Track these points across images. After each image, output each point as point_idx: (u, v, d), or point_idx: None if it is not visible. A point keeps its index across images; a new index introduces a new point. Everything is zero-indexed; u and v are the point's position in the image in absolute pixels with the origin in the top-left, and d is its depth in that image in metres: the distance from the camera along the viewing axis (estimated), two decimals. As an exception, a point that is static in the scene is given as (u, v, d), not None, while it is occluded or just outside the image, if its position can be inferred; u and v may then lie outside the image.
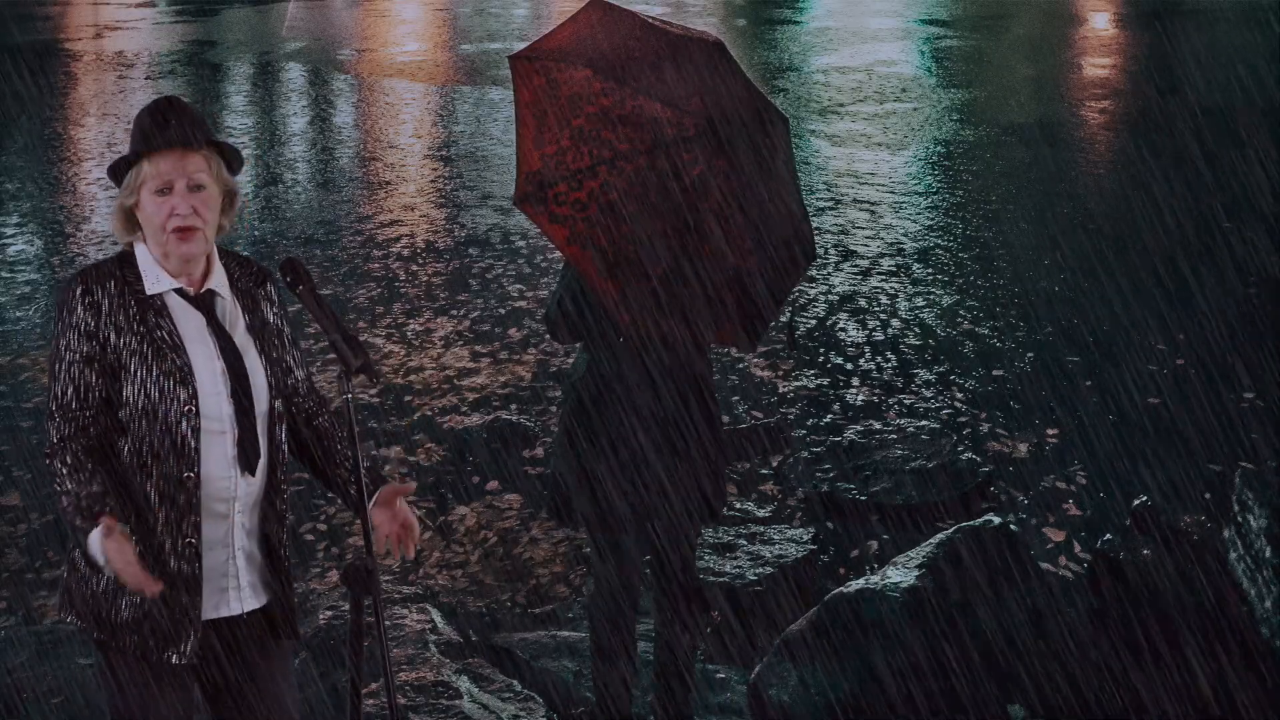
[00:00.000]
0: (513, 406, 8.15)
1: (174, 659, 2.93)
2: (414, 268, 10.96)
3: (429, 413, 8.08)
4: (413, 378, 8.61)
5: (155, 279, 2.96)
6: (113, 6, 29.32)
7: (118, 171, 2.97)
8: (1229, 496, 6.01)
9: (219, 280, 3.03)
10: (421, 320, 9.65)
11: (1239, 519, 5.60)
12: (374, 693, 4.21)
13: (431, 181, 14.30)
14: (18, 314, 9.86)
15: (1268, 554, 5.28)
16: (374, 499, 3.12)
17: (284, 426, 3.07)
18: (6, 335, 9.39)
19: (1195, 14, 25.96)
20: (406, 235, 11.94)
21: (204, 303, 2.99)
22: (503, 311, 9.75)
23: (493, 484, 7.23)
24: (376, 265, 11.01)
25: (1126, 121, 16.89)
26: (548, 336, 6.22)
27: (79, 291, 2.90)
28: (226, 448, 2.94)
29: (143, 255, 2.97)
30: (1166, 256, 10.79)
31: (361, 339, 3.18)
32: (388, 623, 4.39)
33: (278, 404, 3.04)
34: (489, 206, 12.96)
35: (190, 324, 2.96)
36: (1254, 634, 4.92)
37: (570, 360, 7.96)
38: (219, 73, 21.40)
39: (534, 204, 4.10)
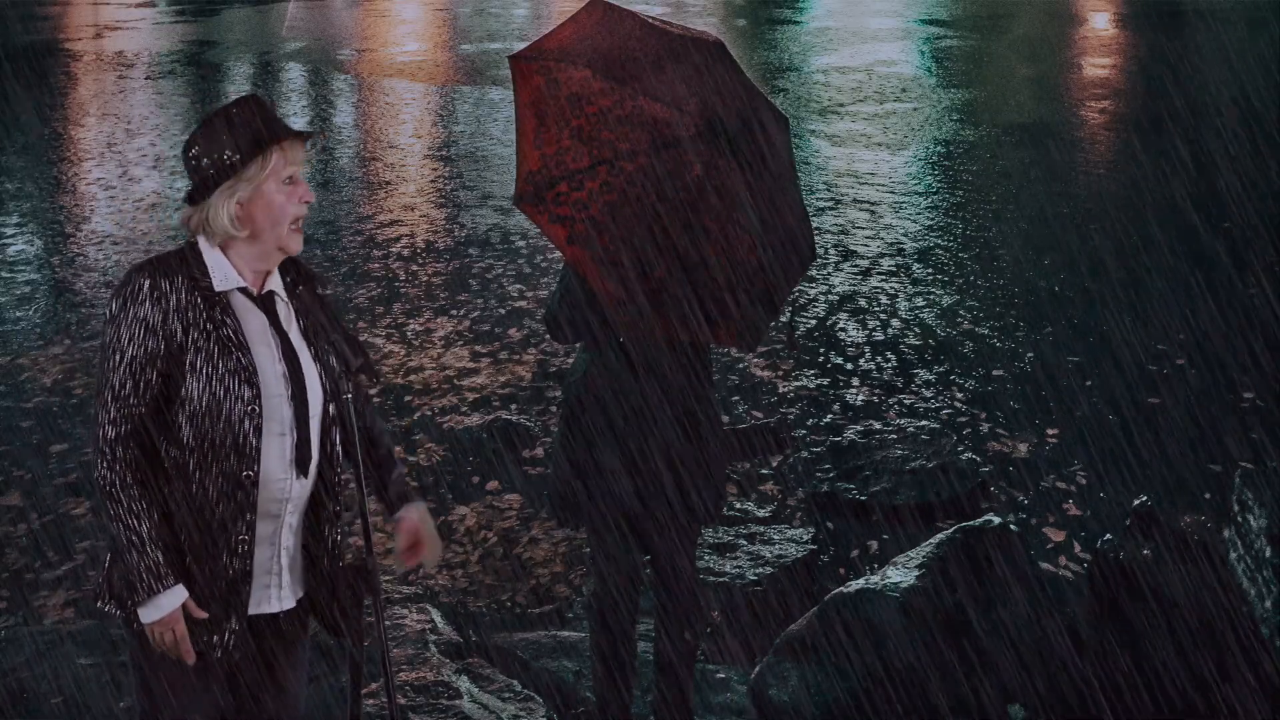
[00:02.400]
0: (513, 406, 8.15)
1: (218, 652, 2.94)
2: (414, 268, 10.96)
3: (429, 413, 8.08)
4: (413, 378, 8.60)
5: (224, 276, 2.92)
6: (113, 6, 29.32)
7: (241, 161, 2.88)
8: (1229, 496, 6.01)
9: (277, 282, 3.02)
10: (421, 320, 9.65)
11: (1239, 519, 5.59)
12: (374, 693, 4.22)
13: (431, 181, 14.30)
14: (18, 314, 9.86)
15: (1268, 554, 5.28)
16: (404, 509, 3.18)
17: (339, 429, 3.06)
18: (6, 335, 9.39)
19: (1195, 14, 25.97)
20: (406, 235, 11.94)
21: (266, 304, 2.98)
22: (503, 311, 9.75)
23: (493, 484, 7.23)
24: (376, 265, 11.02)
25: (1126, 121, 16.90)
26: (548, 336, 6.22)
27: (146, 285, 2.85)
28: (285, 449, 2.94)
29: (211, 253, 2.93)
30: (1166, 256, 10.80)
31: (361, 339, 3.19)
32: (388, 623, 4.39)
33: (331, 407, 3.03)
34: (489, 206, 12.96)
35: (253, 324, 2.95)
36: (1254, 634, 4.92)
37: (570, 360, 7.95)
38: (219, 73, 21.40)
39: (534, 204, 4.10)
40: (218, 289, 2.92)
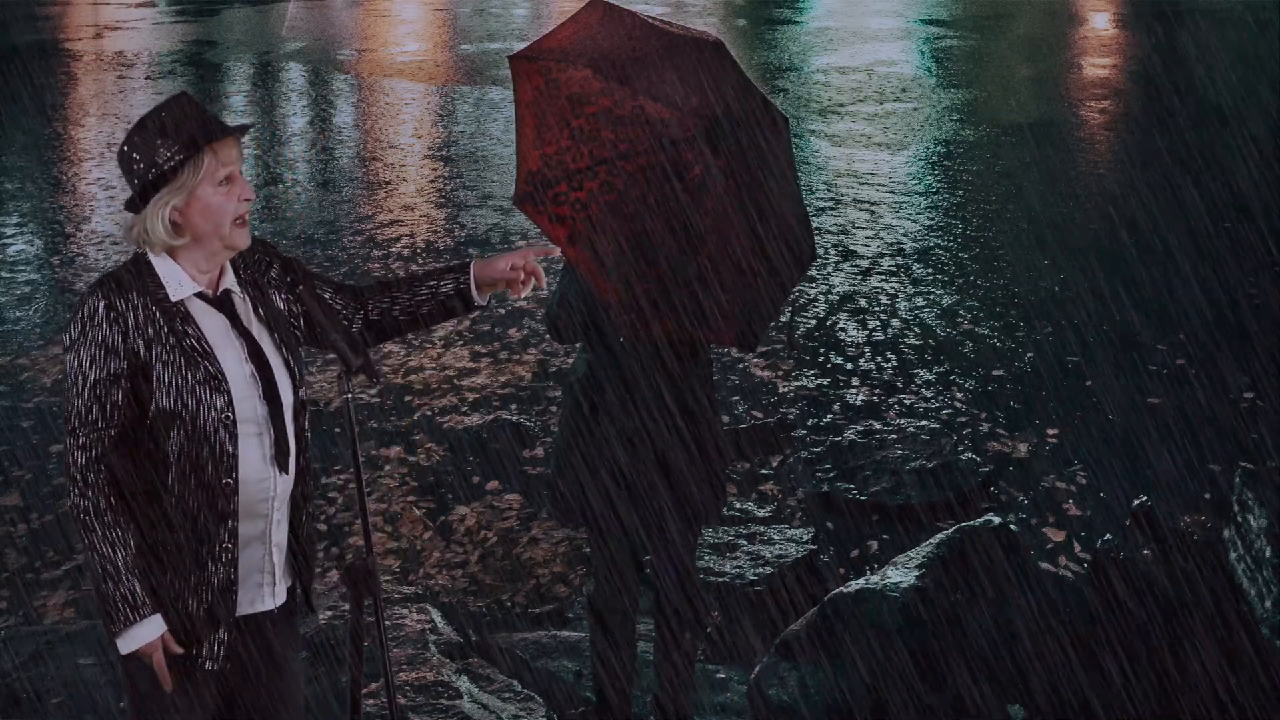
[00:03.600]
0: (513, 406, 8.15)
1: (208, 664, 2.92)
2: (414, 268, 10.95)
3: (429, 413, 8.08)
4: (413, 378, 8.60)
5: (178, 285, 2.88)
6: (113, 6, 29.33)
7: (169, 170, 2.82)
8: (1229, 496, 6.01)
9: (230, 278, 2.98)
10: (421, 320, 9.64)
11: (1239, 519, 5.59)
12: (374, 693, 4.21)
13: (431, 181, 14.30)
14: (18, 314, 9.86)
15: (1268, 554, 5.28)
16: (472, 268, 3.26)
17: (306, 415, 3.05)
18: (6, 335, 9.39)
19: (1195, 14, 25.96)
20: (406, 235, 11.95)
21: (224, 304, 2.95)
22: (503, 311, 9.76)
23: (493, 484, 7.23)
24: (376, 265, 11.02)
25: (1126, 121, 16.89)
26: (548, 336, 6.22)
27: (102, 306, 2.80)
28: (264, 449, 2.91)
29: (161, 262, 2.88)
30: (1166, 256, 10.80)
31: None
32: (388, 623, 4.38)
33: (301, 393, 3.01)
34: (489, 206, 12.96)
35: (215, 328, 2.91)
36: (1254, 634, 4.92)
37: (570, 360, 7.95)
38: (219, 73, 21.40)
39: (534, 204, 4.10)
40: (174, 298, 2.87)
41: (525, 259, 3.27)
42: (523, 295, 3.30)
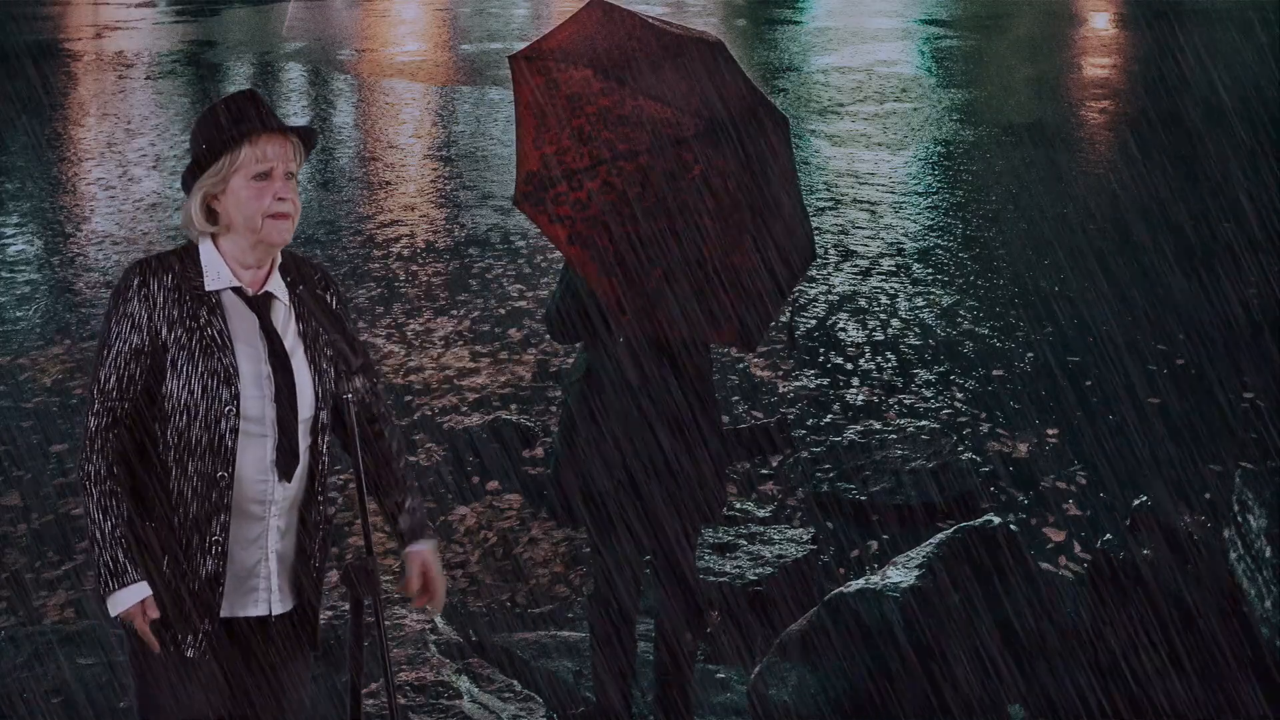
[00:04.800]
0: (513, 406, 8.15)
1: (189, 652, 2.93)
2: (414, 268, 10.96)
3: (429, 413, 8.08)
4: (413, 378, 8.60)
5: (216, 275, 2.94)
6: (113, 6, 29.33)
7: (206, 157, 2.91)
8: (1229, 496, 6.00)
9: (277, 284, 3.01)
10: (421, 320, 9.65)
11: (1239, 519, 5.59)
12: (374, 693, 4.21)
13: (431, 181, 14.30)
14: (17, 314, 9.86)
15: (1268, 554, 5.27)
16: (416, 545, 3.16)
17: (327, 436, 3.04)
18: (6, 335, 9.39)
19: (1195, 14, 25.96)
20: (406, 235, 11.95)
21: (260, 305, 2.97)
22: (503, 311, 9.75)
23: (493, 484, 7.23)
24: (376, 265, 11.02)
25: (1126, 121, 16.89)
26: (548, 336, 6.22)
27: (136, 282, 2.90)
28: (266, 451, 2.93)
29: (207, 251, 2.95)
30: (1166, 256, 10.80)
31: (361, 339, 3.15)
32: (388, 623, 4.38)
33: (323, 414, 3.01)
34: (489, 206, 12.96)
35: (242, 324, 2.94)
36: (1254, 634, 4.92)
37: (570, 360, 7.95)
38: (219, 73, 21.40)
39: (534, 204, 4.10)
40: (209, 288, 2.93)
41: (429, 587, 3.15)
42: (414, 606, 3.25)
